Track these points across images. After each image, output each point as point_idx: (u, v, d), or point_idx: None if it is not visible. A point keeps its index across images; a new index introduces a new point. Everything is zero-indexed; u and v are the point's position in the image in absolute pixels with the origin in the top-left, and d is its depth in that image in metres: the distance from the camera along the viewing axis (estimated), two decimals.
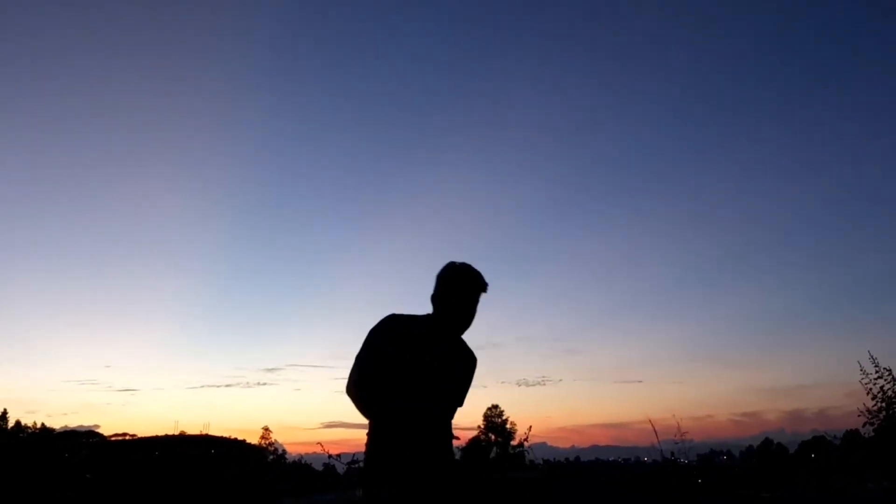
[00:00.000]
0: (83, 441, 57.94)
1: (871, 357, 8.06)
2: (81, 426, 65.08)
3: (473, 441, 48.25)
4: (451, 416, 2.73)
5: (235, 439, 63.83)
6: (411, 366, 2.60)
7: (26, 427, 59.08)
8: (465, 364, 2.78)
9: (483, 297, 2.77)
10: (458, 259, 2.81)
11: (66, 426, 63.14)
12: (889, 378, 7.96)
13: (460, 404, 2.80)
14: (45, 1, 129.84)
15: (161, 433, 63.12)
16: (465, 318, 2.72)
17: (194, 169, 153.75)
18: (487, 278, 2.75)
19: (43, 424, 59.94)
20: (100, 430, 64.14)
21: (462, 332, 2.76)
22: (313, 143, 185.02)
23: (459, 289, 2.70)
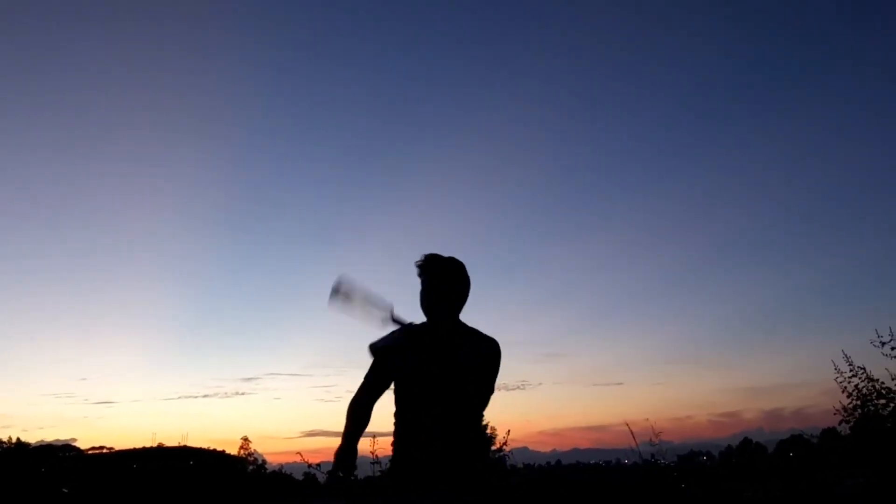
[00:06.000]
0: (60, 455, 57.20)
1: (845, 356, 8.16)
2: (58, 440, 64.04)
3: None
4: (468, 428, 2.59)
5: (214, 450, 63.33)
6: (409, 376, 2.59)
7: (1, 442, 58.10)
8: (477, 352, 2.62)
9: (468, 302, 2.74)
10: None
11: (42, 440, 62.11)
12: (863, 376, 8.07)
13: (477, 409, 2.63)
14: None
15: (139, 446, 62.40)
16: (427, 307, 2.66)
17: (169, 180, 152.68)
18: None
19: (18, 439, 58.90)
20: (76, 444, 63.21)
21: (438, 322, 2.65)
22: (289, 153, 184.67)
23: (422, 280, 2.69)
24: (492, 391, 2.67)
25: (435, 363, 2.56)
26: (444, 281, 2.64)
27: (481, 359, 2.62)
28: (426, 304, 2.66)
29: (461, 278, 2.68)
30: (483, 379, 2.62)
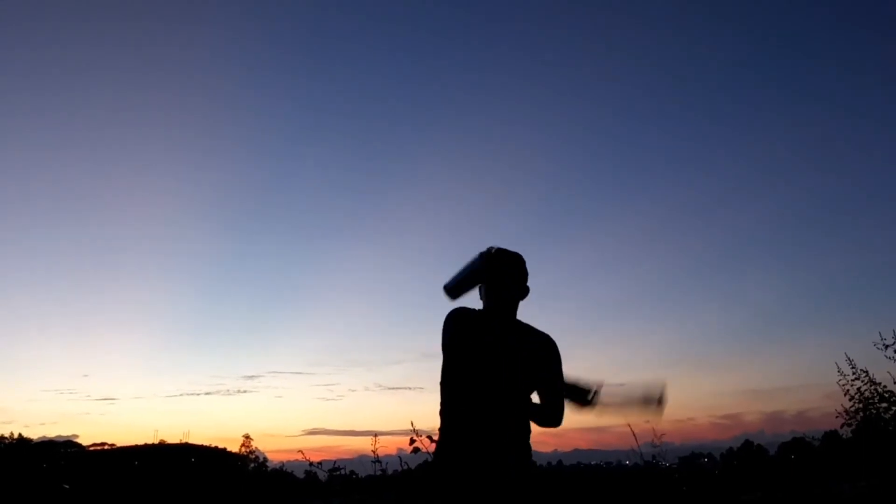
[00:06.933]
0: (61, 451, 57.33)
1: (848, 359, 8.11)
2: (60, 436, 64.43)
3: None
4: (529, 411, 2.58)
5: (216, 448, 63.49)
6: (483, 360, 2.49)
7: (3, 438, 58.24)
8: (538, 349, 2.61)
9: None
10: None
11: (44, 436, 62.42)
12: (866, 379, 8.03)
13: (554, 394, 2.62)
14: None
15: (140, 442, 62.74)
16: (499, 298, 2.58)
17: (170, 177, 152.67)
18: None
19: (20, 435, 59.19)
20: (78, 440, 63.58)
21: (507, 314, 2.59)
22: (292, 152, 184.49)
23: (489, 270, 2.61)
24: (562, 386, 2.67)
25: (500, 353, 2.51)
26: (519, 275, 2.63)
27: (540, 356, 2.61)
28: (498, 295, 2.59)
29: (526, 275, 2.67)
30: (546, 376, 2.61)
